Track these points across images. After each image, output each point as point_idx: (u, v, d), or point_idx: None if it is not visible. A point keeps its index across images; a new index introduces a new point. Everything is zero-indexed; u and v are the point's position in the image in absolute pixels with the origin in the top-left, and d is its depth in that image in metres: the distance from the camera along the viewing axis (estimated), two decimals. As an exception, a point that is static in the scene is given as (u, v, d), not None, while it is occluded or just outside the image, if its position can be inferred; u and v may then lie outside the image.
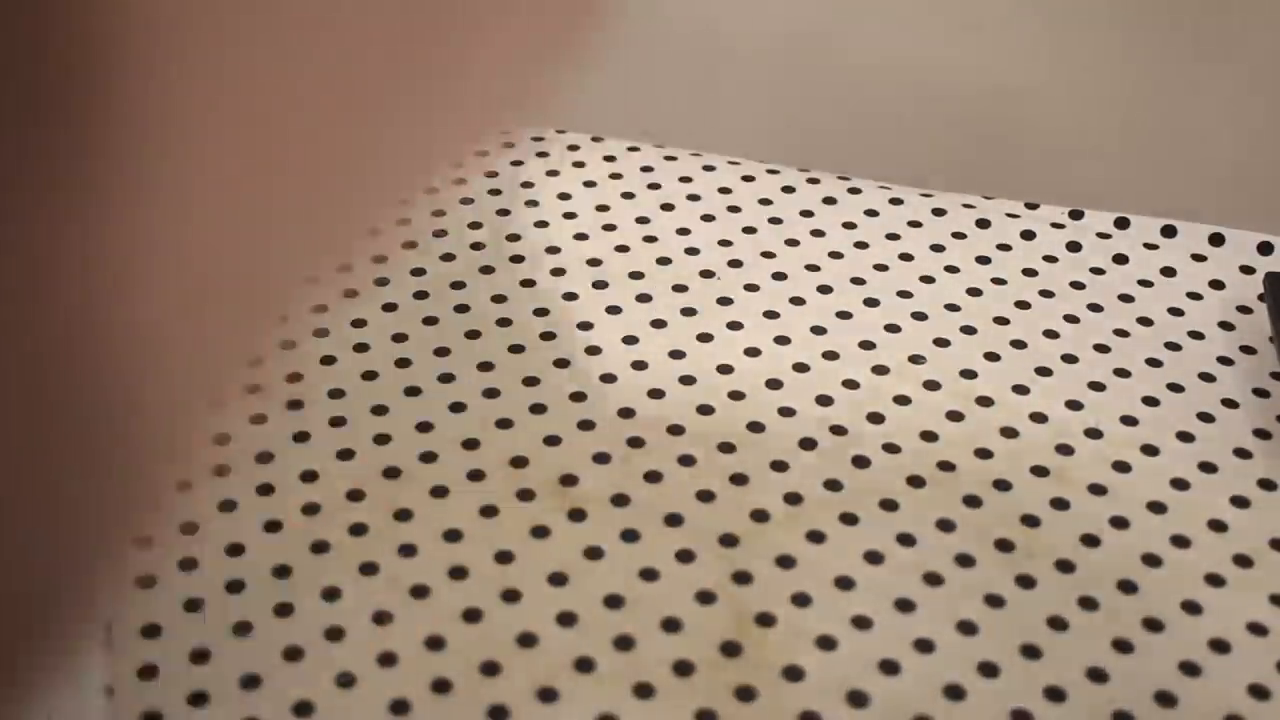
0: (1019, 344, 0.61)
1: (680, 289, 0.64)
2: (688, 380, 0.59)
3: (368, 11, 0.27)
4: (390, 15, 0.27)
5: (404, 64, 0.28)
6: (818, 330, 0.61)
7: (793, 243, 0.67)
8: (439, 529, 0.51)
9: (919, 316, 0.63)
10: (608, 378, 0.59)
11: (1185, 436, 0.57)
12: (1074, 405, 0.58)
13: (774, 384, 0.58)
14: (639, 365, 0.60)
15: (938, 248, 0.67)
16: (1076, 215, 0.70)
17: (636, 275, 0.65)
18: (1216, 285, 0.66)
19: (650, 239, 0.67)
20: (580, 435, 0.56)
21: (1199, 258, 0.67)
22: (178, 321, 0.23)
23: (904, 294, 0.64)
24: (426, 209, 0.66)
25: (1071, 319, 0.63)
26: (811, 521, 0.52)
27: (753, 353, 0.60)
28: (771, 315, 0.62)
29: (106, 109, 0.21)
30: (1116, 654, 0.47)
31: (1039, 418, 0.57)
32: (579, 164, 0.73)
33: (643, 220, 0.68)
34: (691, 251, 0.66)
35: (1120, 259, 0.67)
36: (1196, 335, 0.63)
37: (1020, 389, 0.59)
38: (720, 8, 1.14)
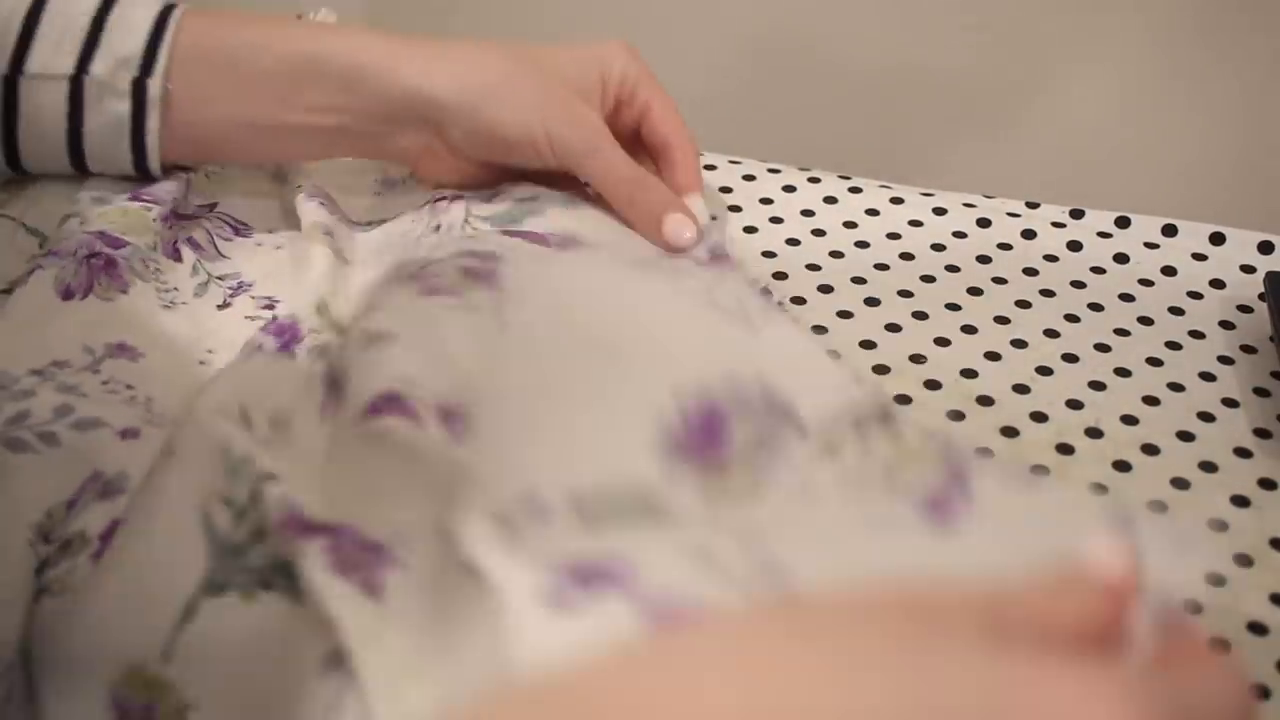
0: (1020, 343, 0.61)
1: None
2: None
3: None
4: None
5: None
6: (819, 329, 0.61)
7: (793, 242, 0.67)
8: None
9: (920, 316, 0.63)
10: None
11: (1186, 435, 0.57)
12: (1074, 404, 0.58)
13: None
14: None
15: (938, 247, 0.67)
16: (1077, 214, 0.70)
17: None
18: (1217, 284, 0.66)
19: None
20: None
21: (1199, 257, 0.67)
22: None
23: (905, 293, 0.64)
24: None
25: (1072, 318, 0.63)
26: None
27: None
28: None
29: None
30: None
31: (1039, 417, 0.57)
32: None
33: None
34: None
35: (1121, 258, 0.67)
36: (1197, 334, 0.63)
37: (1021, 388, 0.59)
38: (721, 7, 1.14)
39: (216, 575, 0.42)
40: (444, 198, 0.63)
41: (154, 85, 0.61)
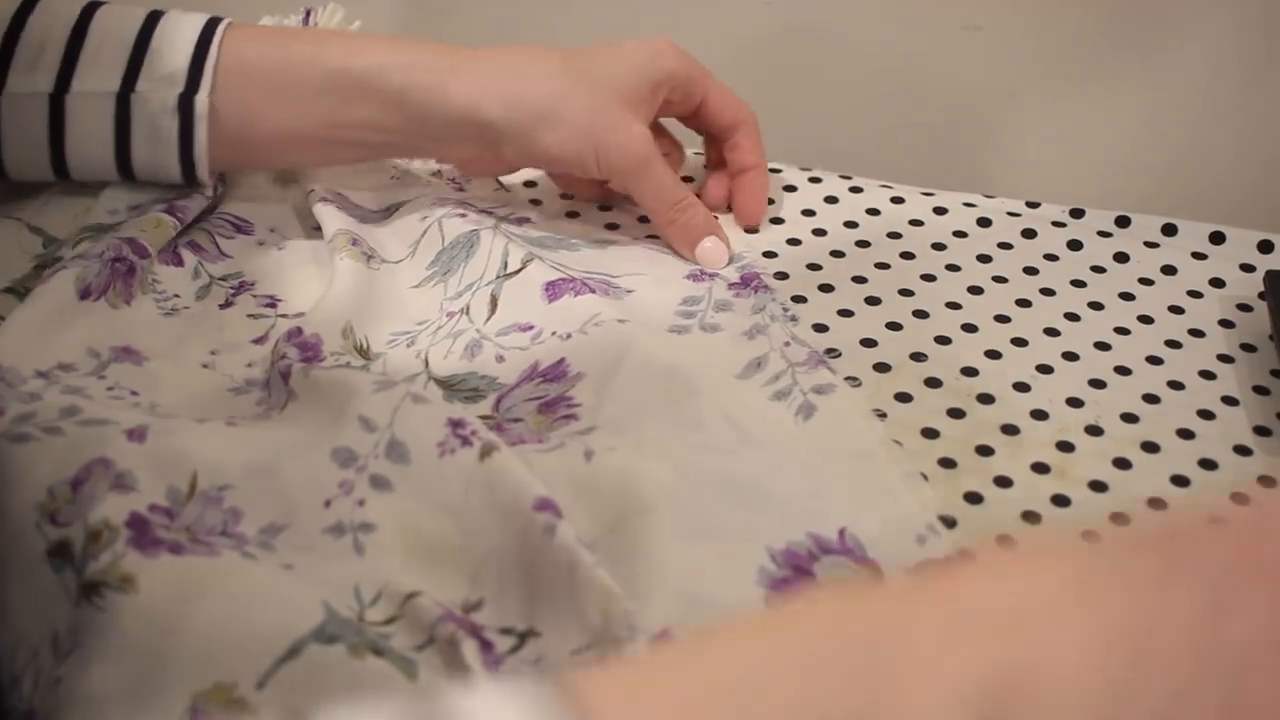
0: (1020, 342, 0.62)
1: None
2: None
3: None
4: None
5: None
6: (820, 328, 0.61)
7: (794, 242, 0.67)
8: None
9: (920, 314, 0.63)
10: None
11: (1186, 434, 0.57)
12: (1075, 403, 0.58)
13: (776, 382, 0.59)
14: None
15: (939, 246, 0.67)
16: (1077, 214, 0.70)
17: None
18: (1217, 283, 0.66)
19: (652, 237, 0.67)
20: None
21: (1199, 256, 0.67)
22: None
23: (905, 292, 0.64)
24: None
25: (1072, 317, 0.63)
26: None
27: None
28: (773, 313, 0.63)
29: None
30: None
31: (1040, 415, 0.57)
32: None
33: (643, 220, 0.69)
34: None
35: (1121, 257, 0.67)
36: (1197, 333, 0.63)
37: (1021, 386, 0.59)
38: (721, 8, 1.14)
39: (331, 629, 0.43)
40: (464, 212, 0.64)
41: (200, 101, 0.61)
